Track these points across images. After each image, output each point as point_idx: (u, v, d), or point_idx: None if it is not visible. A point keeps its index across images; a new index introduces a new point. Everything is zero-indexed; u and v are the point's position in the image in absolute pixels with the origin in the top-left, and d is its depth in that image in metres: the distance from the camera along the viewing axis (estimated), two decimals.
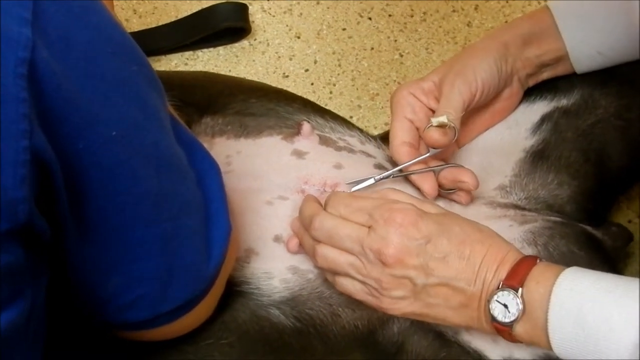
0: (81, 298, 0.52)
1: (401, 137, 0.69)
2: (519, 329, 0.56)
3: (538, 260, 0.58)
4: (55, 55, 0.42)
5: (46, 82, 0.41)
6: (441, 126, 0.66)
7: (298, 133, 0.73)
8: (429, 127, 0.67)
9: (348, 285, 0.62)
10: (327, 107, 0.90)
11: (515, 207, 0.72)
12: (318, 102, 0.91)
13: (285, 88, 0.92)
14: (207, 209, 0.56)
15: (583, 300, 0.53)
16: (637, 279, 0.53)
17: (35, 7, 0.41)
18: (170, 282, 0.53)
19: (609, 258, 0.71)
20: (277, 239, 0.68)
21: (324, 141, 0.73)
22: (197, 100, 0.77)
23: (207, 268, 0.56)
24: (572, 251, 0.68)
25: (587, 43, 0.71)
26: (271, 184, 0.70)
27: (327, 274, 0.64)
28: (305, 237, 0.65)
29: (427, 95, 0.71)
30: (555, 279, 0.55)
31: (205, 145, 0.72)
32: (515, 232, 0.67)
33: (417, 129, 0.70)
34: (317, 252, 0.62)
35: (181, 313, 0.56)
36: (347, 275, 0.62)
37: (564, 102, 0.75)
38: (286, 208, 0.69)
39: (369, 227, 0.60)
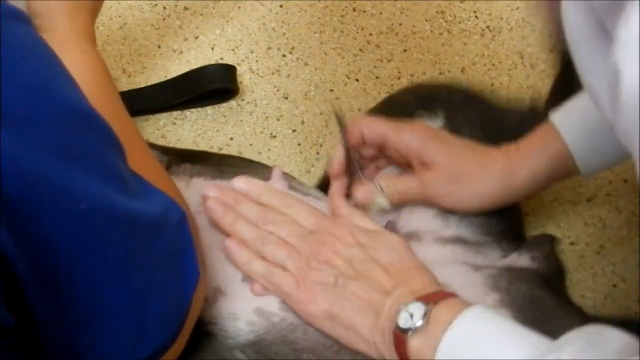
0: (54, 355, 0.52)
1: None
2: (414, 344, 0.57)
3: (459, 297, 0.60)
4: (16, 138, 0.42)
5: (6, 172, 0.41)
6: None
7: (269, 178, 0.75)
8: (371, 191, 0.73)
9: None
10: (313, 168, 0.91)
11: (460, 240, 0.73)
12: (305, 163, 0.91)
13: (272, 148, 0.92)
14: (177, 257, 0.56)
15: (479, 335, 0.55)
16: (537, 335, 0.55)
17: None
18: (143, 333, 0.54)
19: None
20: (245, 279, 0.69)
21: (293, 187, 0.76)
22: (176, 152, 0.79)
23: (178, 314, 0.56)
24: (533, 292, 0.69)
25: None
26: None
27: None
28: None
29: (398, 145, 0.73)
30: (463, 310, 0.56)
31: (183, 184, 0.75)
32: (473, 277, 0.69)
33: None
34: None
35: (154, 358, 0.56)
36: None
37: None
38: None
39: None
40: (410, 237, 0.73)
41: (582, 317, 0.71)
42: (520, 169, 0.72)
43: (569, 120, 0.71)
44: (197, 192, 0.74)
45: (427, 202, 0.74)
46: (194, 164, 0.78)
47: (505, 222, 0.76)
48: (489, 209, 0.74)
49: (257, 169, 0.80)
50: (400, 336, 0.58)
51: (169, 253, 0.56)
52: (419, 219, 0.74)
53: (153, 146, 0.83)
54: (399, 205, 0.74)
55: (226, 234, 0.71)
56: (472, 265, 0.71)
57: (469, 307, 0.57)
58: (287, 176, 0.79)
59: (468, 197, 0.72)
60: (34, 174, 0.43)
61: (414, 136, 0.73)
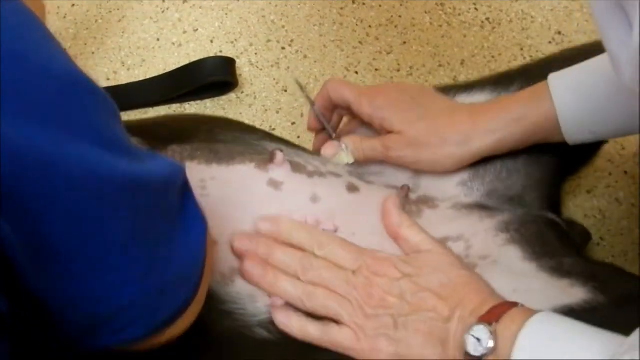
0: (67, 329, 0.51)
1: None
2: None
3: (519, 305, 0.59)
4: (9, 114, 0.41)
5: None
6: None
7: (271, 161, 0.73)
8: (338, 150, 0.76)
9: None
10: None
11: (480, 206, 0.73)
12: None
13: None
14: (183, 215, 0.55)
15: (550, 340, 0.54)
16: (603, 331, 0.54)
17: None
18: (161, 298, 0.53)
19: (575, 243, 0.74)
20: None
21: (296, 168, 0.74)
22: (160, 137, 0.76)
23: (191, 273, 0.55)
24: (542, 231, 0.70)
25: (583, 125, 0.71)
26: (254, 215, 0.70)
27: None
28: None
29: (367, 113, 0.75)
30: (529, 319, 0.55)
31: None
32: (486, 224, 0.69)
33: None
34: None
35: (170, 323, 0.55)
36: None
37: None
38: None
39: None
40: (424, 202, 0.74)
41: (586, 261, 0.72)
42: (484, 134, 0.72)
43: (563, 82, 0.71)
44: (194, 176, 0.70)
45: (392, 163, 0.75)
46: (182, 145, 0.74)
47: (541, 199, 0.76)
48: (455, 170, 0.74)
49: (252, 142, 0.78)
50: None
51: (175, 212, 0.55)
52: (441, 187, 0.75)
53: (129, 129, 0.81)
54: (364, 162, 0.77)
55: (268, 293, 0.68)
56: (486, 214, 0.72)
57: (533, 315, 0.56)
58: (293, 151, 0.78)
59: (430, 161, 0.73)
60: (21, 145, 0.42)
61: (374, 105, 0.74)
